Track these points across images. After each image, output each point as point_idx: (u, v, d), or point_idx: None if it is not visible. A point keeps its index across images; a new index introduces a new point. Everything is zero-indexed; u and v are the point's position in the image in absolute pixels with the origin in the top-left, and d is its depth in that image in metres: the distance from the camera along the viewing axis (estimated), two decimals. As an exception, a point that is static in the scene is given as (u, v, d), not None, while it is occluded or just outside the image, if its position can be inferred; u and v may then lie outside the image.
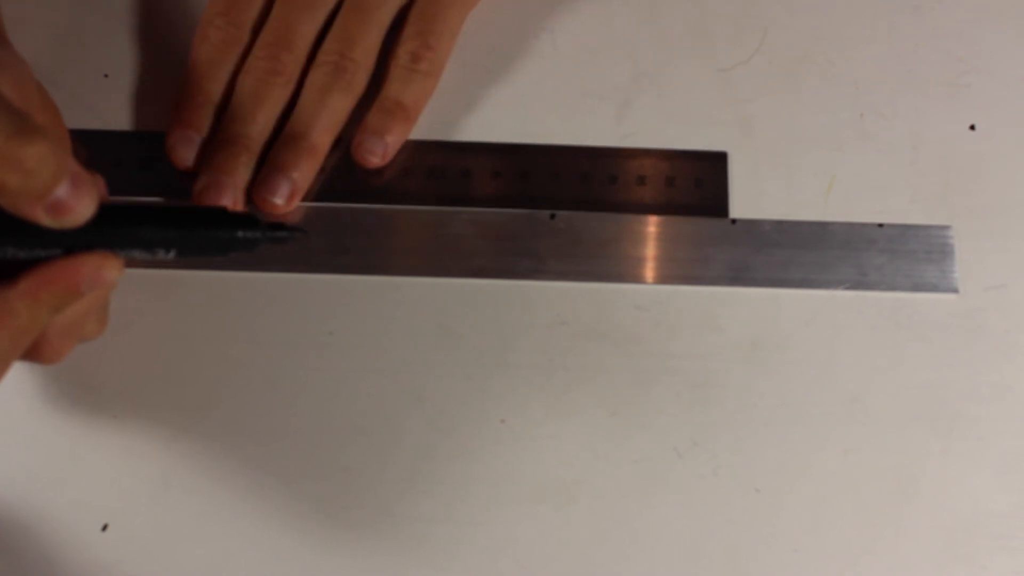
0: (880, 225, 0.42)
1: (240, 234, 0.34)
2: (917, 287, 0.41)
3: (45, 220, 0.30)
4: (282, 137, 0.41)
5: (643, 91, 0.44)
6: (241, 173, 0.41)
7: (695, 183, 0.43)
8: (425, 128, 0.43)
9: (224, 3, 0.42)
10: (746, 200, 0.43)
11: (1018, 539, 0.38)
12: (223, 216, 0.34)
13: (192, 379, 0.40)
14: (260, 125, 0.41)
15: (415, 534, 0.38)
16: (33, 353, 0.34)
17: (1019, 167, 0.43)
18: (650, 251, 0.42)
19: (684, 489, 0.39)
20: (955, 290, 0.41)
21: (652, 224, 0.42)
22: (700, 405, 0.40)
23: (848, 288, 0.41)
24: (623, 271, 0.41)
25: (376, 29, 0.43)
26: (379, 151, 0.42)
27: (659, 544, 0.38)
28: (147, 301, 0.40)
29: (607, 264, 0.41)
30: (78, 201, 0.30)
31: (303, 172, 0.41)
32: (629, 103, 0.44)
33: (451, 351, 0.40)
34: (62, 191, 0.30)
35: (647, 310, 0.41)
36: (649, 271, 0.41)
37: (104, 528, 0.38)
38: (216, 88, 0.42)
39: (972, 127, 0.44)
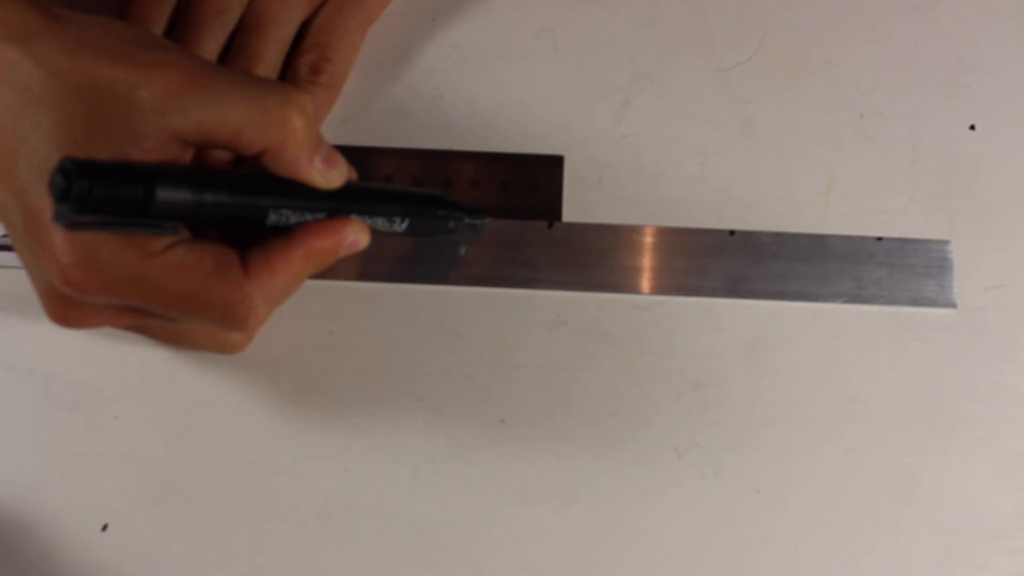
0: (879, 239, 0.42)
1: (464, 220, 0.39)
2: (915, 301, 0.41)
3: (317, 177, 0.34)
4: None
5: (643, 91, 0.44)
6: None
7: (529, 187, 0.42)
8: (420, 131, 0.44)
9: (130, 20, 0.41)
10: (744, 200, 0.43)
11: (1018, 539, 0.38)
12: (438, 198, 0.39)
13: (192, 379, 0.40)
14: None
15: (415, 534, 0.38)
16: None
17: (1019, 167, 0.43)
18: (647, 261, 0.42)
19: (684, 489, 0.39)
20: (953, 305, 0.41)
21: (649, 234, 0.42)
22: (700, 405, 0.40)
23: (846, 301, 0.41)
24: (620, 281, 0.41)
25: (277, 46, 0.42)
26: None
27: (659, 544, 0.38)
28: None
29: (604, 274, 0.41)
30: (339, 157, 0.35)
31: None
32: (629, 103, 0.44)
33: (451, 351, 0.40)
34: (327, 147, 0.34)
35: (647, 310, 0.41)
36: (646, 281, 0.41)
37: (104, 528, 0.38)
38: None
39: (972, 127, 0.44)
